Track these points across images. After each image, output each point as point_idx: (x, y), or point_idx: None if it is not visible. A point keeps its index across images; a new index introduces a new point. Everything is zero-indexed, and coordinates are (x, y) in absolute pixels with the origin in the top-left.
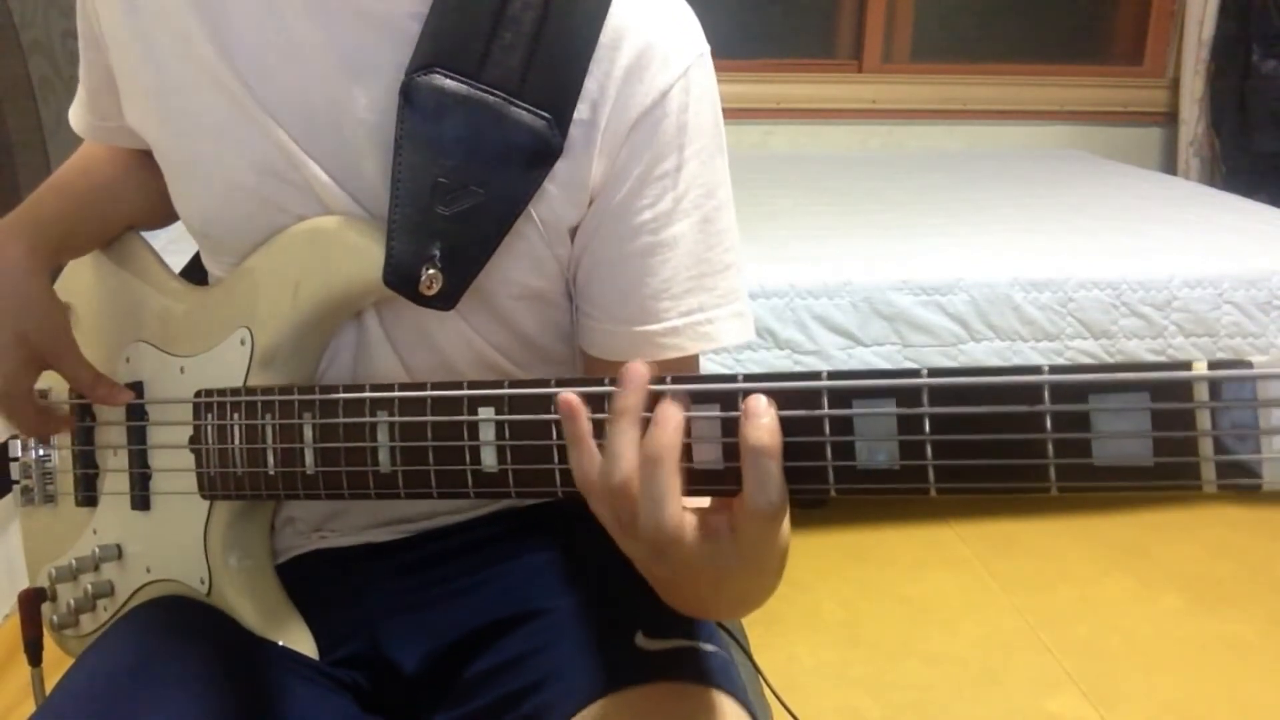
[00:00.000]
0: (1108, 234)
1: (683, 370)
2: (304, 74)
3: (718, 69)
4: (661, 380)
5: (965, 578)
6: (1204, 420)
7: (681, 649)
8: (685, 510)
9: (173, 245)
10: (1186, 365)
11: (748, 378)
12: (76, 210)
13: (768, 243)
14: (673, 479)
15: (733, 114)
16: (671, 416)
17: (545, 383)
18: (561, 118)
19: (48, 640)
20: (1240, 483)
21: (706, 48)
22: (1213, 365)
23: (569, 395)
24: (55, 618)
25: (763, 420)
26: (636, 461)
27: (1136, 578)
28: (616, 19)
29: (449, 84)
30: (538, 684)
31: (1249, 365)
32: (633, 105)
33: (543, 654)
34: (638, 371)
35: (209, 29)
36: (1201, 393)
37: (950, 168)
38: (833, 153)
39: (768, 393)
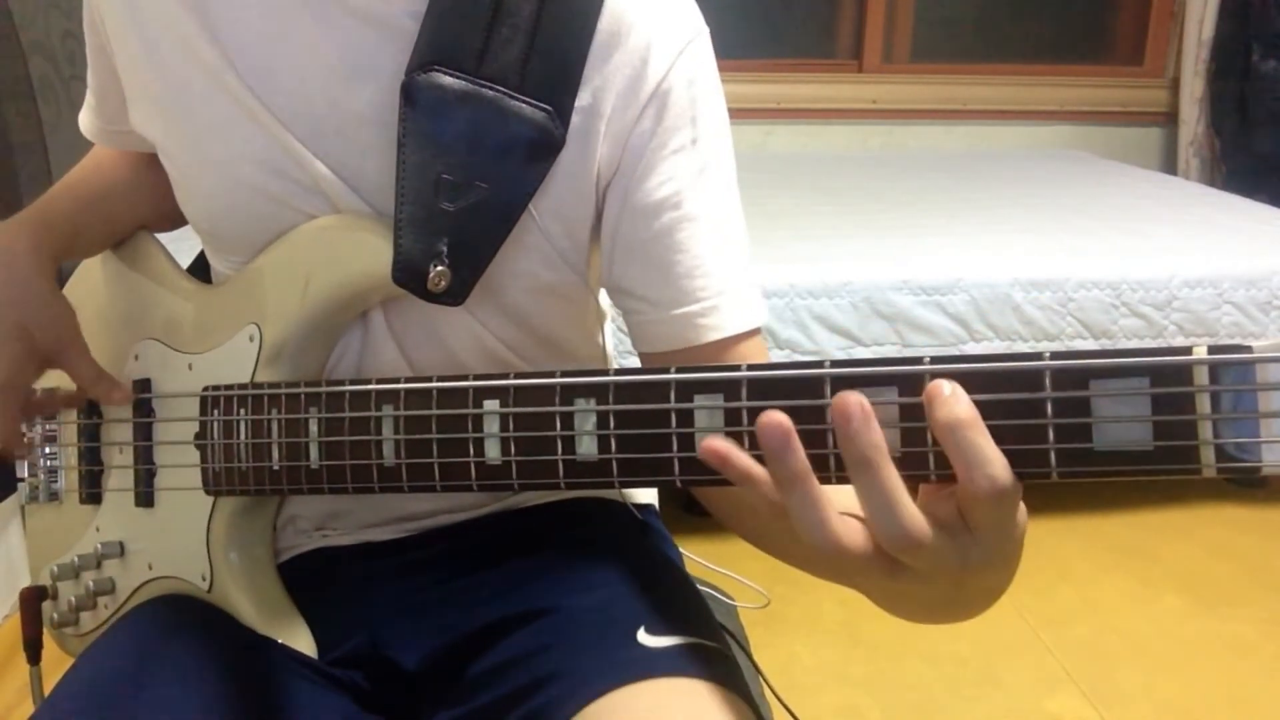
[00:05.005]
0: (1108, 234)
1: (755, 358)
2: (305, 75)
3: (718, 69)
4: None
5: None
6: (1204, 404)
7: (684, 645)
8: (913, 508)
9: (172, 245)
10: (1186, 350)
11: (751, 367)
12: (85, 211)
13: (768, 243)
14: (895, 477)
15: (733, 114)
16: (855, 405)
17: (550, 374)
18: (562, 109)
19: (47, 640)
20: (1240, 466)
21: (705, 27)
22: (1212, 350)
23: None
24: (55, 615)
25: (946, 393)
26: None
27: (1136, 578)
28: (613, 5)
29: (449, 81)
30: (541, 681)
31: (1248, 349)
32: (638, 89)
33: (545, 652)
34: (780, 429)
35: (209, 33)
36: (1201, 377)
37: (950, 168)
38: (833, 153)
39: (769, 382)
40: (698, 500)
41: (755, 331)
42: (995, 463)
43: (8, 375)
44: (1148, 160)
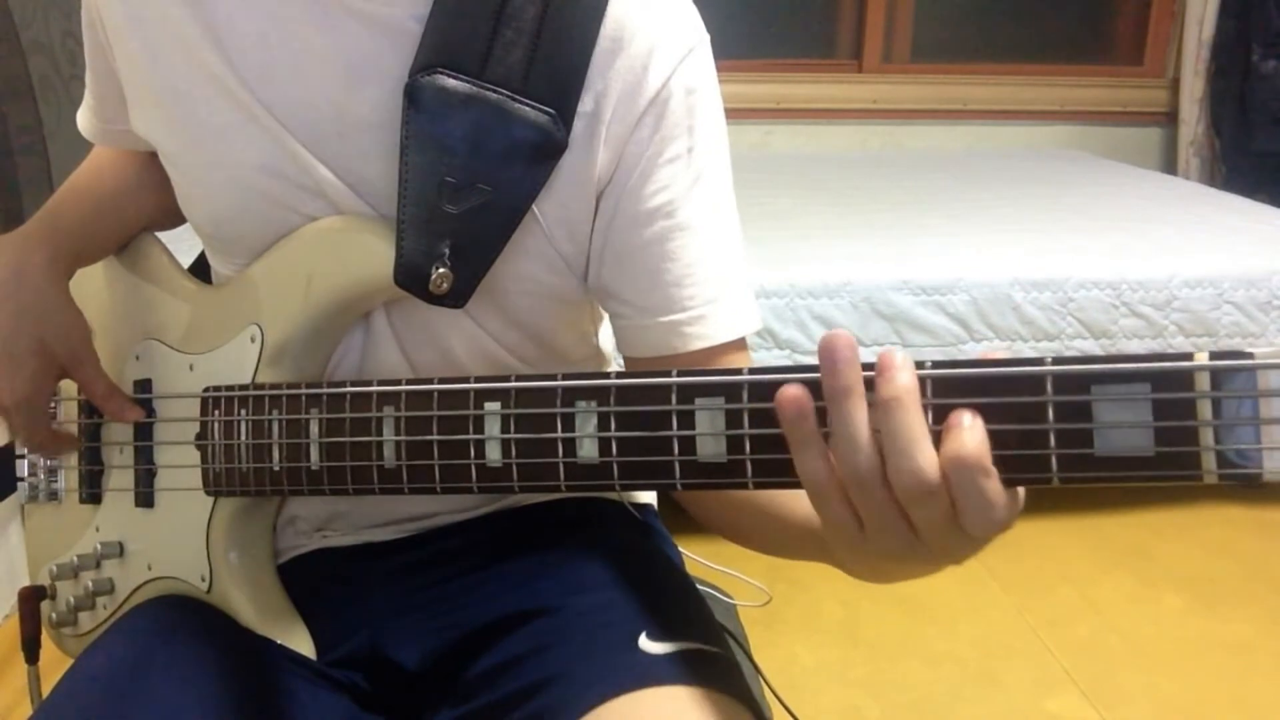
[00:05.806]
0: (1108, 234)
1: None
2: (308, 78)
3: (718, 69)
4: (666, 373)
5: (965, 578)
6: (1205, 410)
7: (686, 651)
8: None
9: (173, 245)
10: (1188, 356)
11: (752, 371)
12: (94, 217)
13: (768, 243)
14: (920, 419)
15: (733, 114)
16: (902, 365)
17: (552, 377)
18: (565, 112)
19: (46, 640)
20: (1241, 473)
21: (706, 36)
22: (1214, 356)
23: (795, 391)
24: (54, 615)
25: (957, 420)
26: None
27: (1136, 578)
28: (617, 11)
29: (452, 84)
30: (541, 684)
31: (1250, 356)
32: (637, 96)
33: (546, 654)
34: (846, 342)
35: (210, 36)
36: (1203, 383)
37: (950, 168)
38: (833, 153)
39: (770, 386)
40: (679, 502)
41: (742, 340)
42: (999, 510)
43: (32, 389)
44: (1148, 160)
